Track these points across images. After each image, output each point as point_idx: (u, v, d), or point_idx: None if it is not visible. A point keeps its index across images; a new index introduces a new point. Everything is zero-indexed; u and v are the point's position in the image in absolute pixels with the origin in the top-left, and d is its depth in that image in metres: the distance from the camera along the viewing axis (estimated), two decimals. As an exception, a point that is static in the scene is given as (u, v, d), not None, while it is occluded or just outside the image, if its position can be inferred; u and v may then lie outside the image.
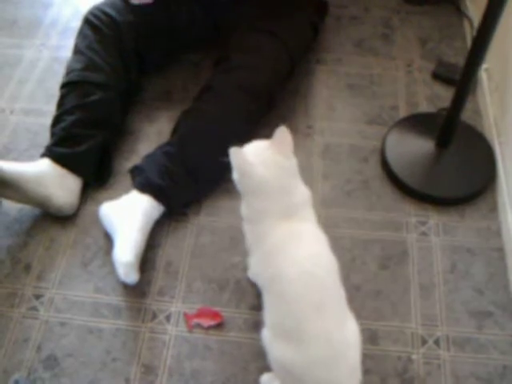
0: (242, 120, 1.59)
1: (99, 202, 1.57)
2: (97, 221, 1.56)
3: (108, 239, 1.52)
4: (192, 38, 1.84)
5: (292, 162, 1.23)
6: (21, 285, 1.48)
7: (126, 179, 1.63)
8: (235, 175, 1.24)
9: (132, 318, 1.43)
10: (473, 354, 1.38)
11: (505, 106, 1.66)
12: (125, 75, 1.70)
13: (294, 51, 1.72)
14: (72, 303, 1.45)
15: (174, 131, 1.62)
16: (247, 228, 1.31)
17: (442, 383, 1.33)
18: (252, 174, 1.20)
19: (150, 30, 1.72)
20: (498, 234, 1.56)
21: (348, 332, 1.21)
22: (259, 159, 1.20)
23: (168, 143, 1.59)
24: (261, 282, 1.33)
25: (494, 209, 1.61)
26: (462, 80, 1.51)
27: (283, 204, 1.22)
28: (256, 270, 1.35)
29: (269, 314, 1.26)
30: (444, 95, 1.83)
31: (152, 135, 1.75)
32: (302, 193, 1.25)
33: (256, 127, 1.63)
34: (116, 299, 1.45)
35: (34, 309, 1.44)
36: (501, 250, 1.53)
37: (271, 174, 1.20)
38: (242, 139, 1.56)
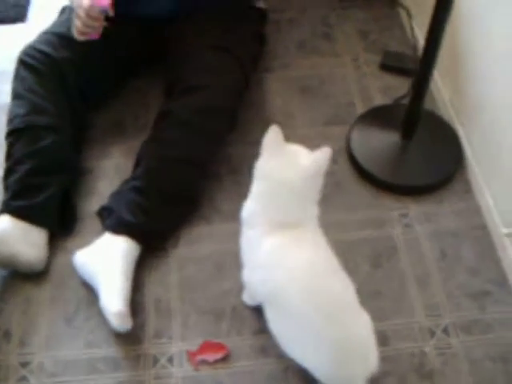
0: (209, 142, 1.54)
1: (70, 251, 1.47)
2: (72, 272, 1.45)
3: (88, 289, 1.43)
4: (136, 65, 1.77)
5: (318, 183, 1.19)
6: (3, 355, 1.36)
7: (94, 222, 1.53)
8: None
9: (132, 367, 1.34)
10: (481, 335, 1.38)
11: (459, 89, 1.69)
12: (71, 113, 1.59)
13: (247, 65, 1.67)
14: (64, 364, 1.34)
15: (137, 164, 1.54)
16: (244, 234, 1.28)
17: (459, 370, 1.33)
18: (277, 167, 1.17)
19: (90, 64, 1.62)
20: (477, 212, 1.58)
21: (360, 328, 1.20)
22: (292, 161, 1.17)
23: (133, 178, 1.51)
24: (259, 295, 1.29)
25: (469, 189, 1.62)
26: (421, 70, 1.52)
27: (287, 216, 1.19)
28: (251, 283, 1.31)
29: (274, 325, 1.23)
30: (396, 85, 1.84)
31: (110, 171, 1.65)
32: (310, 213, 1.22)
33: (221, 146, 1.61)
34: (111, 351, 1.36)
35: (24, 379, 1.32)
36: (484, 227, 1.55)
37: (291, 181, 1.17)
38: (211, 160, 1.55)
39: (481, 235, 1.54)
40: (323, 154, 1.16)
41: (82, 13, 1.50)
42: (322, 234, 1.24)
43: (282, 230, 1.20)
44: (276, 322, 1.24)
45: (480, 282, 1.46)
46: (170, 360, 1.35)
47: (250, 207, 1.24)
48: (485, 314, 1.41)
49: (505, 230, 1.47)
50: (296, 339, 1.21)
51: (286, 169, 1.17)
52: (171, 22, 1.70)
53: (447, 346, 1.36)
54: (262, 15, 1.82)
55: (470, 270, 1.48)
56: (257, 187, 1.22)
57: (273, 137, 1.19)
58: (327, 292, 1.18)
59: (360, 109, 1.79)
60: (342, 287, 1.21)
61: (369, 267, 1.48)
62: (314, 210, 1.22)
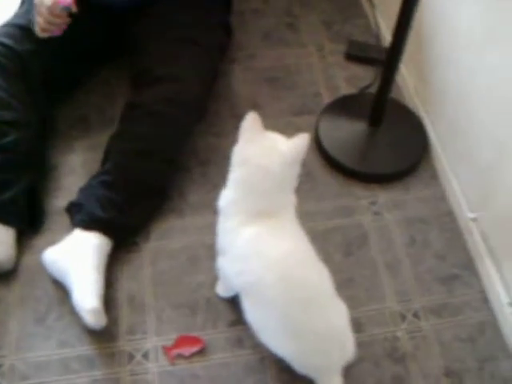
0: (177, 134, 1.53)
1: (39, 249, 1.44)
2: (41, 270, 1.43)
3: (59, 287, 1.40)
4: (101, 57, 1.74)
5: (295, 170, 1.19)
6: (-27, 360, 1.34)
7: (62, 219, 1.50)
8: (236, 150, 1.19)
9: (107, 364, 1.33)
10: (450, 318, 1.42)
11: (423, 76, 1.72)
12: (35, 107, 1.56)
13: (215, 56, 1.67)
14: (37, 366, 1.32)
15: (106, 159, 1.52)
16: (221, 223, 1.27)
17: (430, 353, 1.36)
18: (251, 152, 1.16)
19: (54, 56, 1.58)
20: (444, 198, 1.61)
21: (337, 318, 1.22)
22: (271, 147, 1.17)
23: (103, 172, 1.48)
24: (235, 285, 1.29)
25: (435, 176, 1.66)
26: (388, 59, 1.53)
27: (265, 204, 1.19)
28: (227, 272, 1.30)
29: (250, 315, 1.24)
30: (361, 74, 1.86)
31: (77, 167, 1.63)
32: (288, 201, 1.22)
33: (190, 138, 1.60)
34: (85, 349, 1.34)
35: (-4, 383, 1.31)
36: (451, 213, 1.58)
37: (270, 167, 1.16)
38: (180, 152, 1.54)
39: (448, 220, 1.57)
40: (301, 140, 1.15)
41: (44, 10, 1.47)
42: (299, 224, 1.25)
43: (259, 220, 1.19)
44: (253, 312, 1.24)
45: (448, 266, 1.50)
46: (146, 356, 1.34)
47: (227, 196, 1.23)
48: (453, 298, 1.44)
49: (470, 215, 1.50)
50: (273, 329, 1.22)
51: (264, 155, 1.16)
52: (136, 12, 1.67)
53: (418, 330, 1.39)
54: (226, 5, 1.81)
55: (438, 254, 1.51)
56: (234, 174, 1.21)
57: (251, 122, 1.17)
58: (304, 283, 1.19)
59: (326, 98, 1.80)
60: (319, 278, 1.21)
61: (340, 256, 1.50)
62: (291, 199, 1.22)
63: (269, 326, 1.22)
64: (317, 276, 1.21)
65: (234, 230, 1.22)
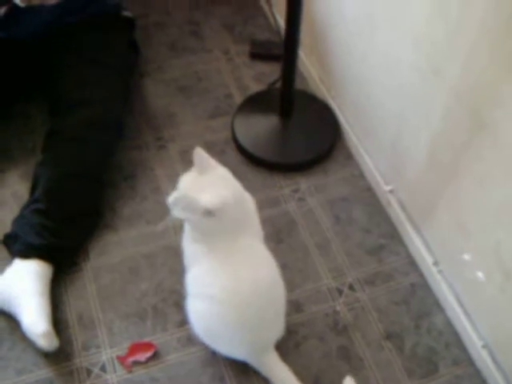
0: (100, 154, 1.58)
1: (-20, 284, 1.46)
2: (-14, 304, 1.45)
3: (6, 317, 1.42)
4: (20, 89, 1.75)
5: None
6: None
7: (1, 251, 1.51)
8: None
9: (68, 383, 1.36)
10: (384, 285, 1.52)
11: (324, 65, 1.82)
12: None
13: (125, 74, 1.72)
14: (-2, 398, 1.36)
15: (34, 187, 1.53)
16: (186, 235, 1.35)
17: (369, 320, 1.45)
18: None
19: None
20: (361, 176, 1.72)
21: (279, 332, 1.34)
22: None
23: (33, 201, 1.50)
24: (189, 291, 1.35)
25: (349, 156, 1.76)
26: (286, 52, 1.62)
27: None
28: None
29: (198, 321, 1.32)
30: (267, 71, 1.96)
31: (8, 199, 1.64)
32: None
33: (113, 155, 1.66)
34: (43, 372, 1.37)
35: (-43, 421, 1.32)
36: (369, 188, 1.69)
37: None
38: (105, 170, 1.59)
39: (368, 196, 1.68)
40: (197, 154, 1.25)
41: None
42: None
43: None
44: (201, 320, 1.31)
45: (374, 238, 1.60)
46: (103, 368, 1.38)
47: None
48: (383, 266, 1.55)
49: (387, 187, 1.62)
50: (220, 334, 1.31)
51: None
52: (42, 42, 1.69)
53: (355, 301, 1.49)
54: (130, 24, 1.86)
55: (363, 229, 1.62)
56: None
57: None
58: (261, 315, 1.28)
59: (238, 99, 1.88)
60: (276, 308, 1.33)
61: (273, 244, 1.57)
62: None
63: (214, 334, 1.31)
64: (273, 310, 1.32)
65: (200, 255, 1.28)
